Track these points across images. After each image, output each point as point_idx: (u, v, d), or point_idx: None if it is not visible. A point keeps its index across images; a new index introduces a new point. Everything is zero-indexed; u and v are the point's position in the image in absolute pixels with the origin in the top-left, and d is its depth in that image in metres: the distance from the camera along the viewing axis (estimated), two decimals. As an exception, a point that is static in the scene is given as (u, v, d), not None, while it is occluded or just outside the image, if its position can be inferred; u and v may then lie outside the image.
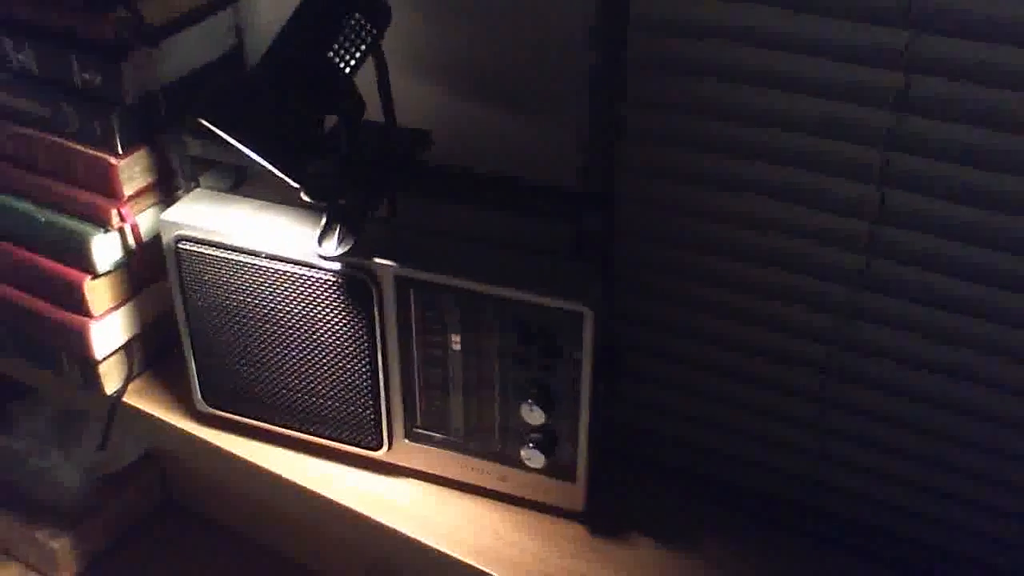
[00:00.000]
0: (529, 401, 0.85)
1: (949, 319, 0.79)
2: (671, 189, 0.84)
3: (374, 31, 0.78)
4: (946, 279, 0.78)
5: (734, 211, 0.83)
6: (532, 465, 0.88)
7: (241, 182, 1.04)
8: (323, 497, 0.95)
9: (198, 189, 0.95)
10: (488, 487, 0.93)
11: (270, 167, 0.75)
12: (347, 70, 0.77)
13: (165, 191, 1.00)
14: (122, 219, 0.97)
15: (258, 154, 0.75)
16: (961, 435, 0.83)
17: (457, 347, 0.87)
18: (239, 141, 0.74)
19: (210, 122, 0.74)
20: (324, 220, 0.85)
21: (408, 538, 0.92)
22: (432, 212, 0.92)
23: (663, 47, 0.80)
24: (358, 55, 0.77)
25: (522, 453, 0.88)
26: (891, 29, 0.71)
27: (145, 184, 0.98)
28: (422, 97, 0.94)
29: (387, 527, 0.92)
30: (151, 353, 1.08)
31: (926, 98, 0.73)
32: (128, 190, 0.96)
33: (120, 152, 0.94)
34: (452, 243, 0.88)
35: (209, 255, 0.90)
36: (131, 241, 0.99)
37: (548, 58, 0.88)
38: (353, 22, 0.76)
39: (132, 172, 0.96)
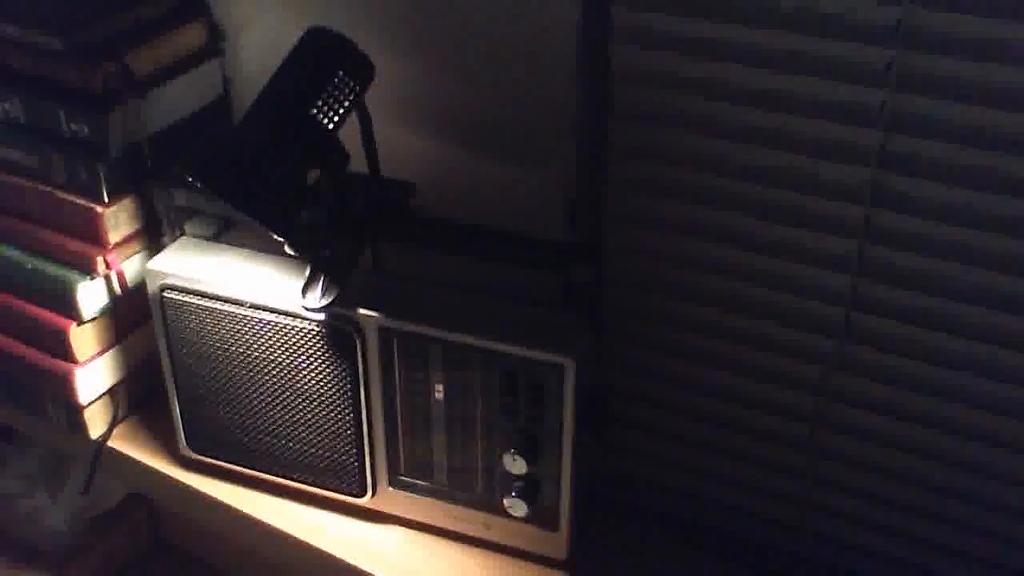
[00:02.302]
0: (512, 451, 0.85)
1: (936, 372, 0.79)
2: (658, 238, 0.85)
3: (357, 87, 0.78)
4: (931, 333, 0.78)
5: (722, 261, 0.83)
6: (515, 514, 0.88)
7: (226, 230, 1.05)
8: (308, 544, 0.96)
9: (183, 238, 0.95)
10: (472, 535, 0.94)
11: (256, 222, 0.76)
12: (330, 126, 0.78)
13: (151, 238, 1.00)
14: (108, 266, 0.97)
15: (244, 210, 0.75)
16: (950, 486, 0.83)
17: (440, 396, 0.87)
18: (224, 198, 0.74)
19: (196, 179, 0.75)
20: (308, 271, 0.85)
21: (392, 586, 0.92)
22: (417, 262, 0.93)
23: (648, 98, 0.80)
24: (341, 111, 0.78)
25: (505, 502, 0.88)
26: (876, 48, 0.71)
27: (131, 232, 0.98)
28: (407, 147, 0.95)
29: (370, 575, 0.92)
30: (136, 397, 1.08)
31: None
32: (114, 238, 0.97)
33: (106, 201, 0.95)
34: (436, 293, 0.88)
35: (193, 304, 0.91)
36: (117, 288, 0.99)
37: (534, 108, 0.89)
38: (336, 79, 0.77)
39: (118, 220, 0.96)
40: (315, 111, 0.77)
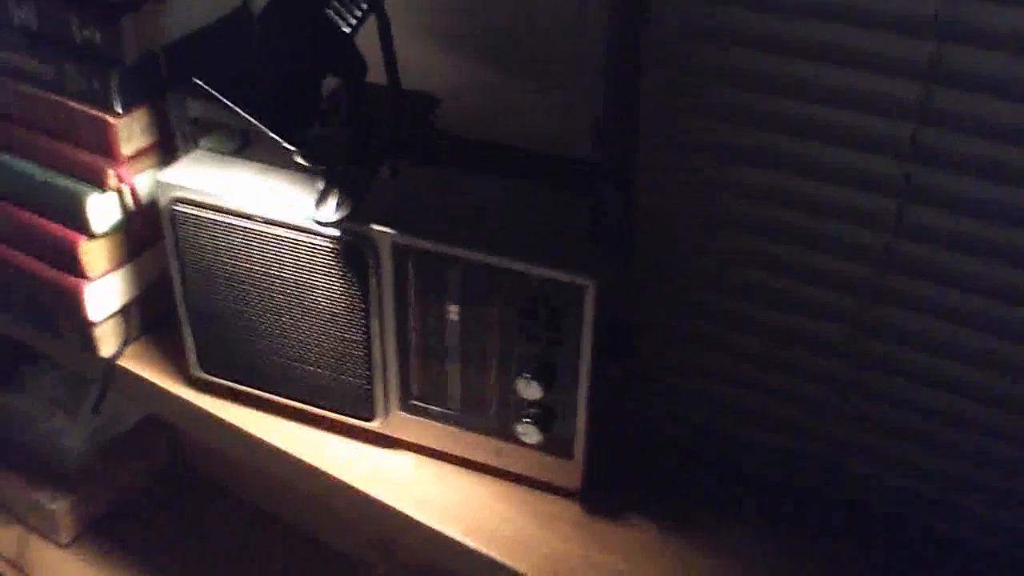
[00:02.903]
0: (526, 375, 0.83)
1: (980, 302, 0.76)
2: (696, 161, 0.81)
3: (376, -12, 0.75)
4: (975, 259, 0.75)
5: (762, 186, 0.79)
6: (528, 441, 0.86)
7: (246, 145, 1.02)
8: (317, 468, 0.94)
9: (198, 151, 0.93)
10: (485, 462, 0.92)
11: (265, 129, 0.73)
12: (347, 29, 0.75)
13: (167, 153, 0.98)
14: (120, 180, 0.95)
15: (252, 116, 0.73)
16: (992, 427, 0.80)
17: (455, 318, 0.85)
18: (232, 101, 0.72)
19: (203, 81, 0.72)
20: (323, 184, 0.83)
21: (402, 514, 0.90)
22: (439, 179, 0.90)
23: (688, 8, 0.76)
24: (359, 13, 0.75)
25: (518, 428, 0.86)
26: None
27: (145, 145, 0.96)
28: (429, 59, 0.91)
29: (381, 502, 0.91)
30: (150, 318, 1.06)
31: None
32: (127, 150, 0.94)
33: (119, 112, 0.92)
34: (456, 212, 0.85)
35: (204, 218, 0.88)
36: (130, 203, 0.97)
37: (563, 19, 0.85)
38: (353, -21, 0.74)
39: (131, 132, 0.94)
40: (330, 11, 0.74)
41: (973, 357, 0.78)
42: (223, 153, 0.94)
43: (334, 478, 0.93)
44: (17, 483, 1.33)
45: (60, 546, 1.33)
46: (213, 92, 0.72)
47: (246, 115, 0.73)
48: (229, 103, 0.72)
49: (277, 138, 0.74)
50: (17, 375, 1.43)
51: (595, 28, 0.82)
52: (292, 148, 0.76)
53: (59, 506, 1.31)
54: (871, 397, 0.84)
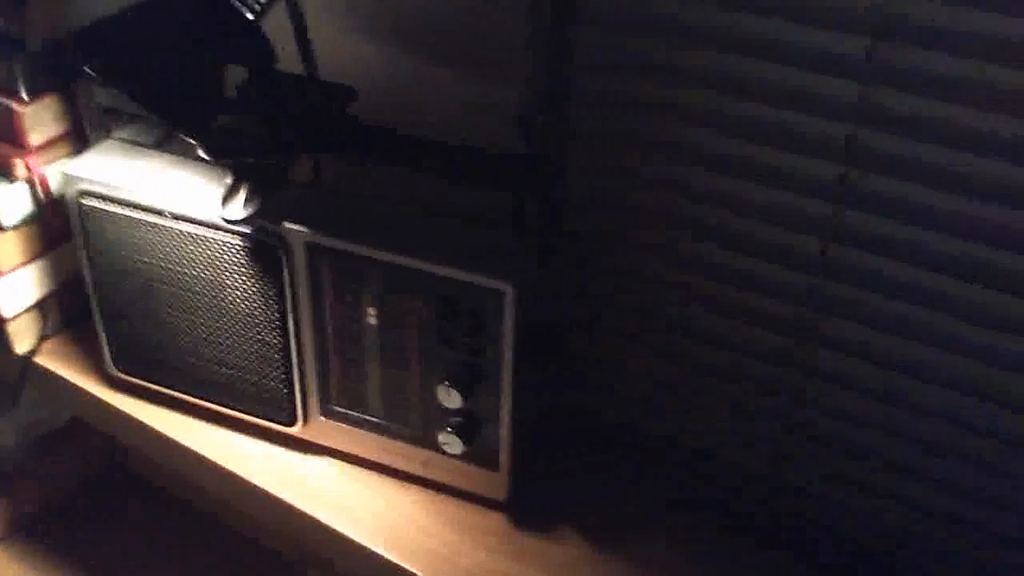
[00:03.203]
0: (446, 383, 0.79)
1: (919, 313, 0.72)
2: (626, 157, 0.77)
3: (281, -27, 0.70)
4: (915, 269, 0.71)
5: (694, 184, 0.75)
6: (449, 451, 0.82)
7: (169, 137, 0.97)
8: (234, 473, 0.89)
9: (109, 141, 0.88)
10: (408, 471, 0.87)
11: (161, 119, 0.69)
12: (251, 15, 0.70)
13: (81, 143, 0.93)
14: (29, 170, 0.90)
15: (145, 105, 0.68)
16: (930, 439, 0.76)
17: (374, 321, 0.80)
18: (127, 90, 0.67)
19: (100, 69, 0.67)
20: (230, 180, 0.78)
21: (320, 523, 0.86)
22: (358, 176, 0.86)
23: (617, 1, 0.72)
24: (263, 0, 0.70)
25: (440, 438, 0.82)
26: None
27: (56, 134, 0.91)
28: (348, 48, 0.86)
29: (299, 510, 0.86)
30: (70, 313, 1.01)
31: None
32: (35, 140, 0.90)
33: (25, 99, 0.88)
34: (373, 209, 0.81)
35: (112, 212, 0.84)
36: (41, 194, 0.92)
37: (489, 8, 0.80)
38: (256, -38, 0.69)
39: (40, 120, 0.89)
40: (231, -3, 0.69)
41: (917, 369, 0.74)
42: (143, 144, 0.89)
43: (251, 484, 0.89)
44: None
45: (-10, 545, 1.29)
46: (104, 79, 0.67)
47: (140, 104, 0.68)
48: (122, 91, 0.67)
49: (175, 129, 0.69)
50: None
51: (522, 17, 0.77)
52: (189, 139, 0.71)
53: (-13, 505, 1.26)
54: (818, 409, 0.80)
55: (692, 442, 0.87)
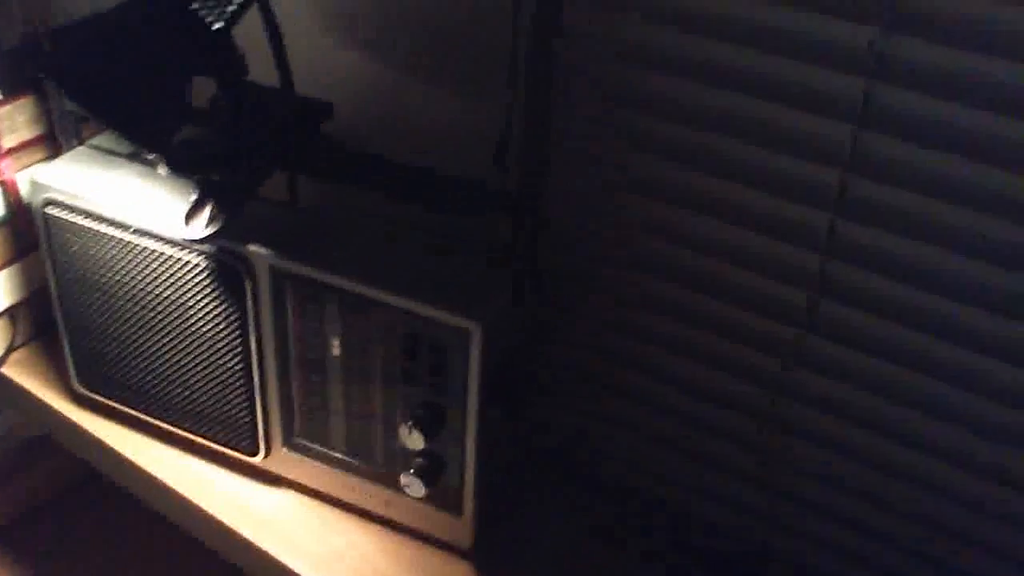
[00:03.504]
0: (409, 423, 0.74)
1: (901, 375, 0.67)
2: (609, 194, 0.73)
3: (251, -18, 0.67)
4: (901, 329, 0.66)
5: (680, 225, 0.71)
6: (411, 493, 0.77)
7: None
8: (192, 503, 0.85)
9: (80, 148, 0.85)
10: (371, 510, 0.83)
11: (116, 131, 0.65)
12: (217, 26, 0.67)
13: (57, 148, 0.90)
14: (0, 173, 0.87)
15: (98, 115, 0.64)
16: (904, 500, 0.71)
17: (337, 352, 0.76)
18: (75, 98, 0.64)
19: (47, 75, 0.64)
20: (195, 196, 0.74)
21: (275, 560, 0.81)
22: (332, 197, 0.82)
23: (602, 27, 0.68)
24: (231, 8, 0.67)
25: (402, 479, 0.77)
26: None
27: (31, 137, 0.88)
28: (328, 61, 0.82)
29: (255, 545, 0.82)
30: (41, 323, 0.98)
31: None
32: (8, 142, 0.87)
33: (-2, 99, 0.85)
34: (344, 235, 0.77)
35: (77, 223, 0.80)
36: (12, 199, 0.89)
37: (474, 26, 0.76)
38: (224, -30, 0.66)
39: (13, 123, 0.86)
40: (197, 5, 0.66)
41: (896, 431, 0.69)
42: (117, 153, 0.86)
43: (207, 513, 0.85)
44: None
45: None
46: (59, 86, 0.64)
47: (93, 114, 0.65)
48: (74, 100, 0.64)
49: (129, 141, 0.66)
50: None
51: (509, 36, 0.73)
52: (150, 153, 0.67)
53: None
54: (789, 464, 0.75)
55: (665, 493, 0.82)
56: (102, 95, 0.64)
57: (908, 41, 0.58)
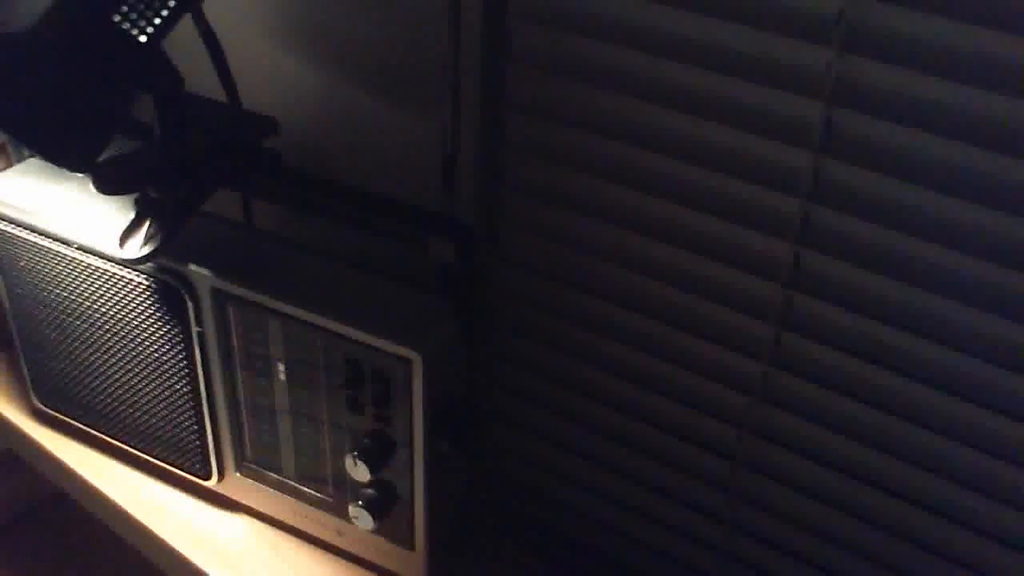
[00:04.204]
0: (355, 453, 0.71)
1: (869, 413, 0.62)
2: (560, 216, 0.68)
3: (179, -7, 0.63)
4: (869, 366, 0.61)
5: (635, 251, 0.66)
6: (360, 525, 0.74)
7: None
8: (146, 528, 0.83)
9: (32, 160, 0.82)
10: (324, 539, 0.80)
11: (36, 152, 0.62)
12: (142, 37, 0.63)
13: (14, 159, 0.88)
14: (-46, 185, 0.85)
15: (17, 135, 0.61)
16: (876, 547, 0.66)
17: (283, 377, 0.73)
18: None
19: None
20: (132, 215, 0.71)
21: (225, 590, 0.78)
22: (288, 219, 0.78)
23: (551, 44, 0.64)
24: (157, 20, 0.63)
25: (350, 511, 0.74)
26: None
27: (-15, 147, 0.86)
28: (272, 74, 0.79)
29: (204, 572, 0.79)
30: (2, 336, 0.96)
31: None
32: (-39, 153, 0.84)
33: (-52, 109, 0.82)
34: (292, 258, 0.73)
35: (23, 238, 0.77)
36: (-32, 210, 0.87)
37: (420, 39, 0.72)
38: (148, -20, 0.62)
39: (-33, 133, 0.84)
40: (119, 18, 0.62)
41: (864, 471, 0.64)
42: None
43: (159, 539, 0.82)
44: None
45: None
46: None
47: (11, 133, 0.61)
48: (-10, 118, 0.60)
49: (49, 162, 0.63)
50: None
51: (452, 50, 0.69)
52: (77, 174, 0.64)
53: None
54: (756, 506, 0.70)
55: (620, 523, 0.78)
56: (19, 114, 0.61)
57: (866, 63, 0.54)
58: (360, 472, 0.71)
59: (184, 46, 0.68)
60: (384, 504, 0.73)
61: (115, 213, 0.76)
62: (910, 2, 0.51)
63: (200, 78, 0.71)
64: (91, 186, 0.66)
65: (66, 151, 0.63)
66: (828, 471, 0.66)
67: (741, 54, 0.58)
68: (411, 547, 0.75)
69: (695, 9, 0.58)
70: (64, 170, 0.79)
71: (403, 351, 0.66)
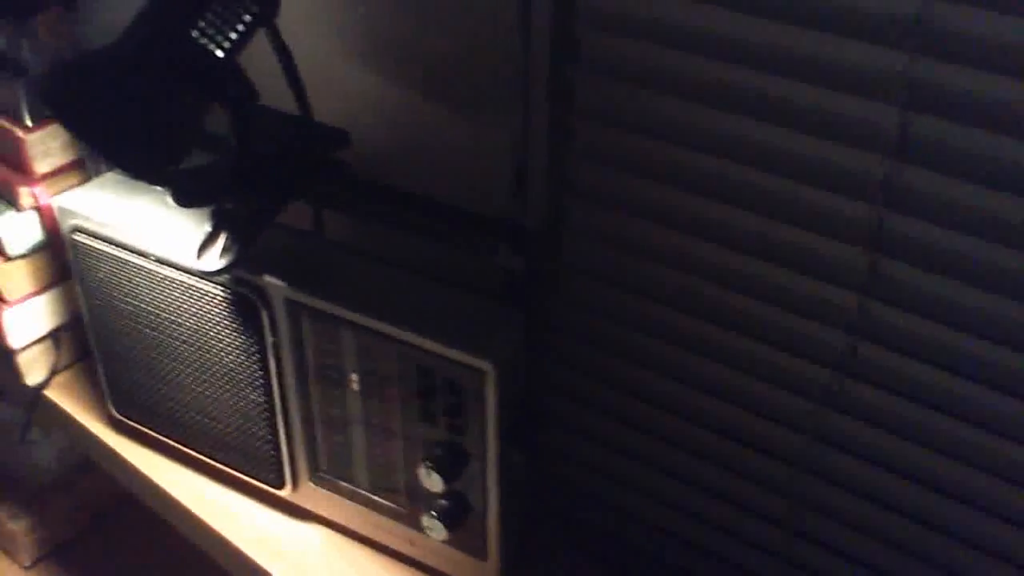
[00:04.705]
0: (428, 464, 0.71)
1: (942, 423, 0.61)
2: (628, 224, 0.68)
3: (255, 7, 0.64)
4: (944, 374, 0.60)
5: (705, 260, 0.65)
6: (433, 536, 0.74)
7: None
8: (219, 534, 0.84)
9: (108, 174, 0.84)
10: (396, 549, 0.80)
11: (117, 166, 0.63)
12: (219, 52, 0.64)
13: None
14: (35, 200, 0.87)
15: (100, 149, 0.63)
16: (940, 552, 0.65)
17: (356, 387, 0.73)
18: (73, 130, 0.62)
19: (48, 107, 0.62)
20: (209, 227, 0.72)
21: (299, 598, 0.79)
22: (360, 229, 0.79)
23: (622, 49, 0.63)
24: (234, 35, 0.64)
25: (423, 521, 0.74)
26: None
27: (65, 162, 0.87)
28: (344, 87, 0.79)
29: (277, 580, 0.80)
30: (82, 346, 0.97)
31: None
32: (42, 168, 0.86)
33: (29, 125, 0.84)
34: (364, 269, 0.74)
35: (102, 251, 0.79)
36: (48, 224, 0.89)
37: (494, 48, 0.72)
38: (224, -5, 0.63)
39: (47, 148, 0.85)
40: (197, 33, 0.63)
41: (935, 481, 0.62)
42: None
43: (233, 546, 0.83)
44: (-18, 495, 1.28)
45: (22, 568, 1.27)
46: (58, 118, 0.62)
47: (93, 147, 0.63)
48: (72, 132, 0.62)
49: (131, 175, 0.64)
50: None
51: (537, 68, 0.68)
52: (156, 186, 0.65)
53: (19, 526, 1.24)
54: (824, 511, 0.69)
55: (689, 530, 0.77)
56: (101, 128, 0.62)
57: (941, 67, 0.52)
58: (433, 482, 0.71)
59: (254, 58, 0.69)
60: (457, 514, 0.73)
61: (189, 225, 0.77)
62: (987, 3, 0.50)
63: (269, 89, 0.72)
64: (168, 199, 0.67)
65: (147, 165, 0.64)
66: (896, 478, 0.64)
67: (813, 59, 0.57)
68: (484, 557, 0.75)
69: (765, 14, 0.57)
70: (139, 183, 0.81)
71: (476, 361, 0.66)
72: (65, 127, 0.62)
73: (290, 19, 0.69)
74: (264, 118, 0.71)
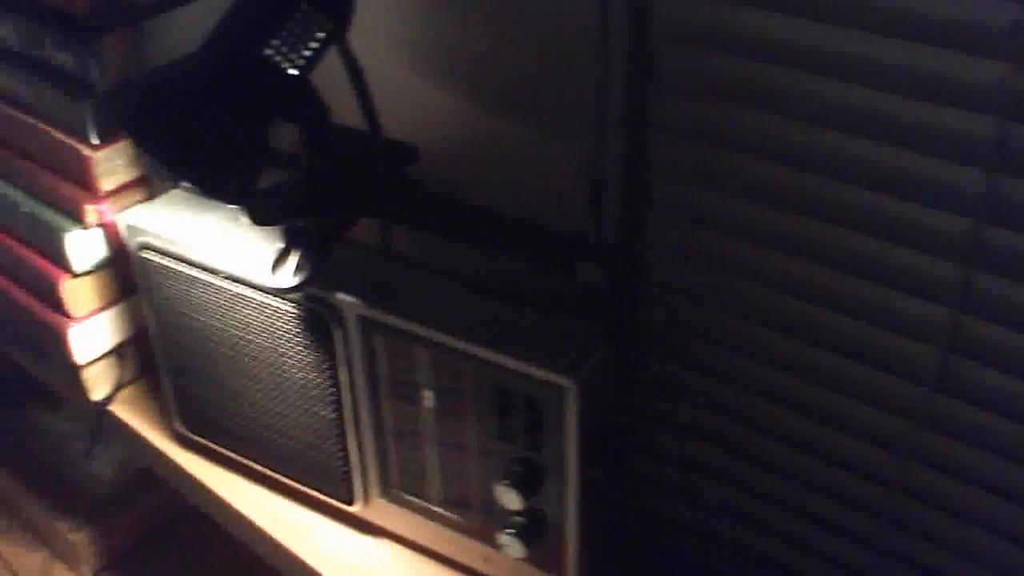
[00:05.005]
0: (505, 481, 0.70)
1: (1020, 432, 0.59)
2: (714, 241, 0.67)
3: (328, 25, 0.63)
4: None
5: (794, 277, 0.64)
6: (511, 554, 0.73)
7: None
8: (288, 550, 0.83)
9: (175, 190, 0.83)
10: (469, 566, 0.79)
11: (192, 184, 0.63)
12: (292, 71, 0.63)
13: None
14: (100, 216, 0.87)
15: (174, 168, 0.62)
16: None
17: (430, 404, 0.72)
18: (148, 149, 0.61)
19: (121, 125, 0.62)
20: (281, 244, 0.72)
21: (371, 615, 0.79)
22: (422, 246, 0.78)
23: (704, 63, 0.62)
24: (307, 53, 0.63)
25: (500, 538, 0.73)
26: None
27: (129, 179, 0.87)
28: (412, 102, 0.78)
29: (350, 599, 0.80)
30: (147, 361, 0.97)
31: None
32: (107, 185, 0.86)
33: (95, 143, 0.84)
34: (434, 284, 0.73)
35: (170, 267, 0.79)
36: (113, 241, 0.89)
37: (566, 62, 0.71)
38: (300, 14, 0.62)
39: (112, 165, 0.85)
40: (270, 52, 0.62)
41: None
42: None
43: (303, 562, 0.82)
44: (43, 508, 1.28)
45: (83, 578, 1.28)
46: (132, 137, 0.62)
47: (167, 166, 0.62)
48: (147, 151, 0.62)
49: (205, 194, 0.63)
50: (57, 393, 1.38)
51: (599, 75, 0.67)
52: (233, 207, 0.65)
53: (80, 537, 1.25)
54: (912, 531, 0.67)
55: (775, 554, 0.76)
56: (175, 147, 0.62)
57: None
58: (511, 500, 0.70)
59: (322, 74, 0.68)
60: (535, 532, 0.72)
61: (257, 241, 0.77)
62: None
63: (334, 102, 0.71)
64: (241, 217, 0.67)
65: (222, 184, 0.64)
66: (991, 497, 0.63)
67: (904, 70, 0.55)
68: (561, 575, 0.74)
69: (850, 24, 0.56)
70: (203, 200, 0.81)
71: (556, 378, 0.65)
72: (143, 151, 0.61)
73: (356, 33, 0.68)
74: (334, 135, 0.71)
